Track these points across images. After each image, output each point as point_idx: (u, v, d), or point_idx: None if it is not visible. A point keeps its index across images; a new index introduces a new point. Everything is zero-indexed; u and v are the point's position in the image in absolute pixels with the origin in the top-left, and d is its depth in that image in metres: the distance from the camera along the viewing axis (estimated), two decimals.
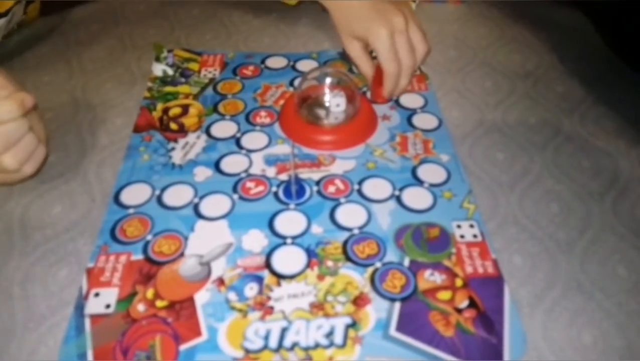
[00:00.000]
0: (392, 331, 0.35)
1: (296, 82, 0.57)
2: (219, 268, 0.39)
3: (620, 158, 0.49)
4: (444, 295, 0.37)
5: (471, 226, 0.42)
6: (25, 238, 0.42)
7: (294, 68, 0.60)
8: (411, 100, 0.55)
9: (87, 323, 0.35)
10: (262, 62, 0.61)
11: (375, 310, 0.36)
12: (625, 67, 0.58)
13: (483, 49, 0.65)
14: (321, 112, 0.51)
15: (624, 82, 0.58)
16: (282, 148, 0.49)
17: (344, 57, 0.61)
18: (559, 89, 0.58)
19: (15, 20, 0.61)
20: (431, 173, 0.47)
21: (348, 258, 0.39)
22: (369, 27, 0.49)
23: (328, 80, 0.51)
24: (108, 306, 0.36)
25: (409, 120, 0.53)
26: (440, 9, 0.73)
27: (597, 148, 0.50)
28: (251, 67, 0.60)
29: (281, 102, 0.55)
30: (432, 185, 0.46)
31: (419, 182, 0.46)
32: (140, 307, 0.36)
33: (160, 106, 0.54)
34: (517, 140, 0.51)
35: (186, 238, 0.41)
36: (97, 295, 0.37)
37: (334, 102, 0.50)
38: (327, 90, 0.51)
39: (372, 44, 0.49)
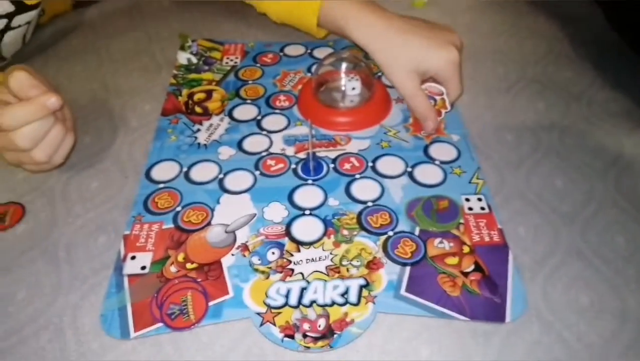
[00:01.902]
0: (403, 291, 0.38)
1: (313, 69, 0.60)
2: (243, 235, 0.42)
3: (624, 138, 0.51)
4: (452, 260, 0.40)
5: (479, 199, 0.45)
6: (67, 209, 0.45)
7: (311, 55, 0.63)
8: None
9: (126, 281, 0.39)
10: (281, 50, 0.64)
11: (387, 273, 0.39)
12: (633, 54, 0.60)
13: (495, 38, 0.67)
14: (337, 96, 0.54)
15: (632, 69, 0.59)
16: (301, 130, 0.53)
17: None
18: (568, 74, 0.60)
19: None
20: (442, 151, 0.49)
21: (362, 228, 0.42)
22: (440, 55, 0.48)
23: (344, 65, 0.53)
24: (144, 267, 0.40)
25: None
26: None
27: (602, 129, 0.52)
28: (270, 55, 0.63)
29: (299, 86, 0.58)
30: (443, 162, 0.48)
31: (431, 159, 0.49)
32: (173, 269, 0.40)
33: (185, 92, 0.58)
34: (525, 123, 0.53)
35: (212, 210, 0.44)
36: (133, 258, 0.40)
37: (350, 86, 0.53)
38: (343, 75, 0.53)
39: (445, 70, 0.48)
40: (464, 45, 0.52)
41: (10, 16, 0.56)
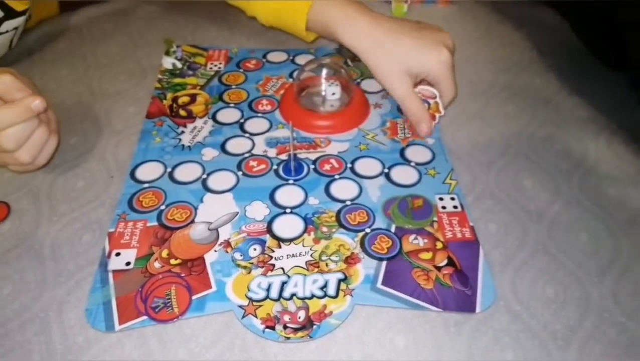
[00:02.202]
0: (379, 284, 0.39)
1: (295, 74, 0.62)
2: (225, 233, 0.43)
3: (589, 142, 0.54)
4: (426, 255, 0.42)
5: (452, 199, 0.47)
6: (53, 208, 0.46)
7: (293, 61, 0.65)
8: None
9: (110, 277, 0.40)
10: (264, 56, 0.66)
11: (365, 268, 0.41)
12: (598, 63, 0.63)
13: (469, 46, 0.70)
14: (318, 100, 0.56)
15: (598, 76, 0.63)
16: (282, 132, 0.54)
17: (340, 51, 0.66)
18: (537, 81, 0.63)
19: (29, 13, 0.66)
20: (418, 154, 0.52)
21: (341, 225, 0.44)
22: (431, 56, 0.48)
23: (324, 71, 0.55)
24: (128, 263, 0.41)
25: (399, 107, 0.57)
26: (430, 9, 0.78)
27: (569, 133, 0.55)
28: (253, 61, 0.65)
29: (281, 91, 0.60)
30: (418, 164, 0.50)
31: (407, 161, 0.51)
32: (157, 264, 0.41)
33: (170, 95, 0.59)
34: (496, 127, 0.56)
35: (196, 208, 0.46)
36: (118, 254, 0.41)
37: (330, 91, 0.55)
38: (323, 80, 0.55)
39: (437, 71, 0.48)
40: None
41: None
